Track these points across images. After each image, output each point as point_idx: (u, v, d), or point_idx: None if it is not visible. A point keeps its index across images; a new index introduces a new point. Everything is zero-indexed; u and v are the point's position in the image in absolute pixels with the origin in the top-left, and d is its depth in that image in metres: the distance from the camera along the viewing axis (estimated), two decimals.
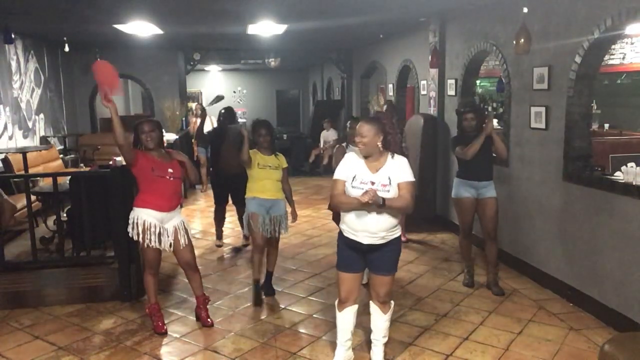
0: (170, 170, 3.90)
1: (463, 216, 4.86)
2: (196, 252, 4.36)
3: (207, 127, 10.10)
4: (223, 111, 6.27)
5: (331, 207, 4.27)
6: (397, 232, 3.33)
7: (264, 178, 4.58)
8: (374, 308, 3.46)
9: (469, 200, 4.76)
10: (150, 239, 3.85)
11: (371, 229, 3.21)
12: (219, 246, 6.44)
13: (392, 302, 3.53)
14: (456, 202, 4.86)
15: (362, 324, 3.87)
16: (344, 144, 4.96)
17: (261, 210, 4.59)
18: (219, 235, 6.53)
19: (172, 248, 3.97)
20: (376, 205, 3.09)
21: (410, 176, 3.26)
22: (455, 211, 4.99)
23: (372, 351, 3.56)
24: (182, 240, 3.99)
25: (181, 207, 4.28)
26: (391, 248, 3.32)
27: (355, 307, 3.45)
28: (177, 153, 4.15)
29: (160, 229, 3.88)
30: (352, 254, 3.32)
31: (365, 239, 3.23)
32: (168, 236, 3.92)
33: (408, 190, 3.21)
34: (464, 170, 4.78)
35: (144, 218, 3.85)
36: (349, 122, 4.99)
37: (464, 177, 4.77)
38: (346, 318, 3.44)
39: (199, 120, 10.60)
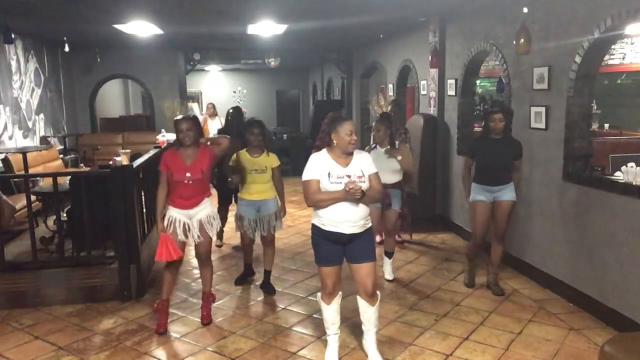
0: (188, 174, 3.98)
1: (476, 220, 4.77)
2: None
3: (215, 127, 10.09)
4: (231, 110, 6.29)
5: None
6: (370, 222, 3.49)
7: (250, 182, 4.69)
8: (362, 303, 3.50)
9: (484, 204, 4.68)
10: (177, 233, 4.02)
11: (352, 218, 3.33)
12: (219, 246, 6.45)
13: (378, 292, 3.58)
14: (471, 205, 4.81)
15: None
16: (372, 145, 5.01)
17: (249, 211, 4.73)
18: (219, 235, 6.53)
19: (197, 240, 4.14)
20: (356, 197, 3.23)
21: (375, 168, 3.47)
22: (470, 215, 4.95)
23: (366, 340, 3.62)
24: (204, 234, 4.12)
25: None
26: (368, 237, 3.47)
27: (340, 296, 3.57)
28: (206, 145, 4.16)
29: (185, 224, 4.04)
30: (333, 247, 3.41)
31: (347, 229, 3.34)
32: (194, 229, 4.08)
33: (378, 181, 3.45)
34: (479, 175, 4.72)
35: (171, 214, 4.08)
36: (373, 123, 4.97)
37: (479, 182, 4.70)
38: (335, 309, 3.54)
39: (209, 120, 10.59)
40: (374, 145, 4.98)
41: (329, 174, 3.33)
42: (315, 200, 3.35)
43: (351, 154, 3.41)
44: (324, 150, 3.44)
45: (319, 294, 3.60)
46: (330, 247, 3.40)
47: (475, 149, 4.80)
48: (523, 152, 4.73)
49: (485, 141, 4.71)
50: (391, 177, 4.88)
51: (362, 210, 3.36)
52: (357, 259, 3.44)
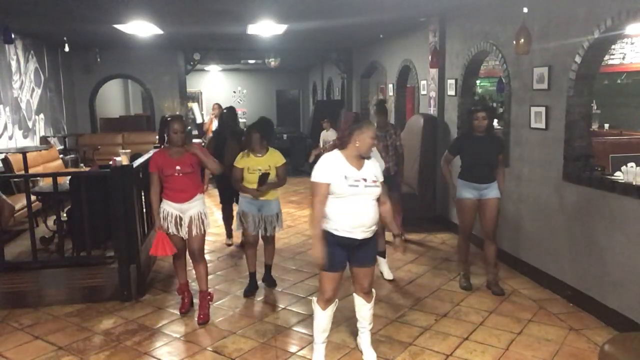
0: (177, 167, 4.14)
1: (463, 217, 4.85)
2: None
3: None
4: (225, 111, 6.34)
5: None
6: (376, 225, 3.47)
7: (254, 182, 4.60)
8: (359, 300, 3.56)
9: (470, 202, 4.74)
10: (168, 227, 4.20)
11: (367, 223, 3.31)
12: (229, 245, 6.48)
13: (374, 290, 3.63)
14: (457, 202, 4.85)
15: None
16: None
17: (251, 209, 4.69)
18: (229, 234, 6.55)
19: (187, 235, 4.25)
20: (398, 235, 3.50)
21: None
22: (456, 211, 4.99)
23: (360, 338, 3.67)
24: (195, 230, 4.23)
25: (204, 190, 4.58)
26: (374, 240, 3.48)
27: (336, 303, 3.52)
28: (192, 147, 4.28)
29: (177, 217, 4.20)
30: (342, 252, 3.36)
31: (360, 235, 3.31)
32: (184, 224, 4.22)
33: (385, 190, 3.47)
34: (465, 172, 4.76)
35: (164, 207, 4.23)
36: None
37: (466, 179, 4.75)
38: (329, 315, 3.49)
39: (215, 120, 10.58)
40: None
41: (345, 176, 3.25)
42: (316, 210, 3.27)
43: (365, 158, 3.37)
44: (337, 152, 3.36)
45: (314, 298, 3.55)
46: (339, 253, 3.34)
47: (459, 146, 4.86)
48: (523, 152, 4.76)
49: (469, 139, 4.77)
50: (380, 178, 4.86)
51: (376, 215, 3.34)
52: (362, 263, 3.45)
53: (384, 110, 5.90)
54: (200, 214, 4.24)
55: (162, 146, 4.39)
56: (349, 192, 3.24)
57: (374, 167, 3.40)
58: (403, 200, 6.23)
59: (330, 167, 3.28)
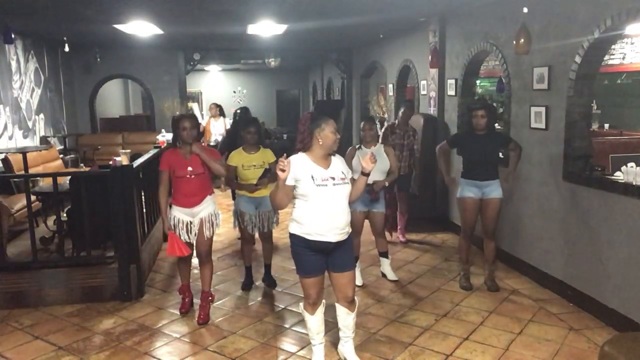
0: (189, 168, 4.09)
1: (465, 216, 4.84)
2: None
3: (218, 128, 10.05)
4: (239, 111, 6.32)
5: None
6: (349, 228, 3.42)
7: (250, 178, 4.63)
8: (342, 310, 3.46)
9: (472, 201, 4.73)
10: (180, 234, 4.17)
11: (340, 224, 3.26)
12: (240, 238, 6.52)
13: (357, 298, 3.54)
14: (459, 202, 4.85)
15: (362, 325, 3.85)
16: (356, 146, 4.91)
17: (249, 208, 4.74)
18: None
19: (196, 237, 4.23)
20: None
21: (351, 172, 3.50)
22: (458, 211, 4.98)
23: (344, 347, 3.56)
24: (205, 232, 4.21)
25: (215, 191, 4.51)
26: (349, 245, 3.42)
27: (324, 304, 3.48)
28: (194, 146, 4.16)
29: (188, 223, 4.17)
30: (317, 257, 3.30)
31: (334, 237, 3.25)
32: (195, 227, 4.19)
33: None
34: (467, 170, 4.76)
35: (175, 214, 4.19)
36: (362, 122, 4.91)
37: (468, 177, 4.74)
38: (320, 318, 3.46)
39: (212, 120, 10.52)
40: (358, 145, 4.88)
41: (312, 176, 3.21)
42: (279, 200, 3.24)
43: (331, 155, 3.34)
44: (302, 154, 3.32)
45: (301, 304, 3.51)
46: (314, 257, 3.28)
47: (458, 142, 4.87)
48: (523, 152, 4.78)
49: (470, 137, 4.77)
50: (380, 177, 4.78)
51: (347, 215, 3.30)
52: (340, 267, 3.37)
53: (411, 112, 6.18)
54: (211, 215, 4.22)
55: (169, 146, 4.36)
56: (317, 192, 3.20)
57: (341, 164, 3.38)
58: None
59: (296, 168, 3.23)
